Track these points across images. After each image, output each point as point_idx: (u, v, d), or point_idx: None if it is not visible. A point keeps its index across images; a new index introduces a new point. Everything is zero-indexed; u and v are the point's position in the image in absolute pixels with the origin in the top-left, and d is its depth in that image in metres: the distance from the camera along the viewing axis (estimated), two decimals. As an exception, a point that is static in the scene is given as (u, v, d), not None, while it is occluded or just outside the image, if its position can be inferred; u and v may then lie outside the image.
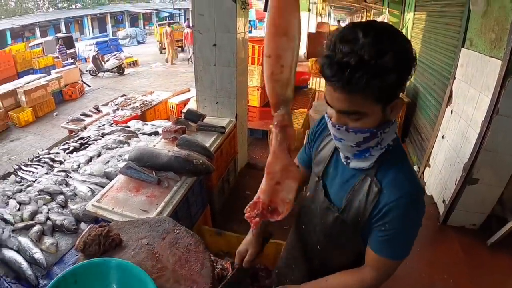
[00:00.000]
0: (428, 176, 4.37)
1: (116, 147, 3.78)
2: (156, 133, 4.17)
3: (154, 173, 2.58)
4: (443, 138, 4.00)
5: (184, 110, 5.25)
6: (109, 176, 3.14)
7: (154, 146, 3.09)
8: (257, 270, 2.79)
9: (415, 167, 4.83)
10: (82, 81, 11.54)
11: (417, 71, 5.73)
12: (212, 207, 3.34)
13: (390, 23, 7.56)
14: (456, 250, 3.32)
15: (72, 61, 15.04)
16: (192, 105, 5.68)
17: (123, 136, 4.10)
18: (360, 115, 0.96)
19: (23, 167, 3.68)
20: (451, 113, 3.83)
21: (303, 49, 11.34)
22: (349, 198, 1.14)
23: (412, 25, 6.43)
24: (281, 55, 1.05)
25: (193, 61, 4.05)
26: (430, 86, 5.04)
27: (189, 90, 7.81)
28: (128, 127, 4.59)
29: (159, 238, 1.50)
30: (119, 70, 14.08)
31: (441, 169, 3.94)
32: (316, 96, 7.40)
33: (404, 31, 6.96)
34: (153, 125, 4.59)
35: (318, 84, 8.58)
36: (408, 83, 6.29)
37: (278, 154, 1.14)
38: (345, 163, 1.15)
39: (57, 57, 14.34)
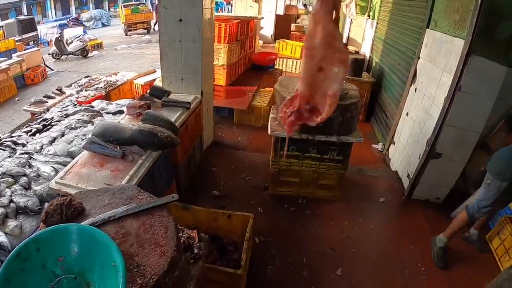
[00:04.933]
0: (393, 152, 4.54)
1: (80, 127, 3.73)
2: (121, 112, 4.13)
3: (118, 147, 2.55)
4: (407, 115, 4.17)
5: (150, 89, 5.20)
6: (73, 155, 3.11)
7: (119, 122, 3.05)
8: (225, 244, 2.82)
9: (380, 145, 5.03)
10: (44, 64, 11.13)
11: (382, 52, 5.93)
12: (178, 183, 3.34)
13: (358, 7, 7.65)
14: (421, 222, 3.50)
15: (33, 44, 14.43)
16: (158, 85, 5.63)
17: (87, 115, 4.04)
18: None
19: (-18, 152, 3.56)
20: (415, 91, 3.99)
21: (270, 31, 11.31)
22: None
23: (379, 8, 6.53)
24: None
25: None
26: (395, 66, 5.19)
27: (155, 71, 7.71)
28: (92, 107, 4.52)
29: (123, 205, 1.49)
30: (83, 52, 13.65)
31: (405, 145, 4.10)
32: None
33: (371, 14, 7.07)
34: (117, 104, 4.54)
35: (285, 64, 8.68)
36: (373, 63, 6.43)
37: (320, 18, 0.84)
38: None
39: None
